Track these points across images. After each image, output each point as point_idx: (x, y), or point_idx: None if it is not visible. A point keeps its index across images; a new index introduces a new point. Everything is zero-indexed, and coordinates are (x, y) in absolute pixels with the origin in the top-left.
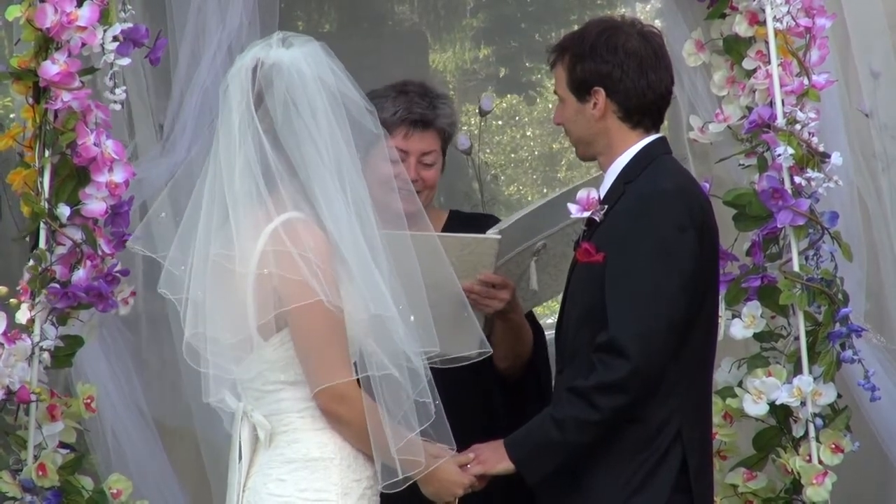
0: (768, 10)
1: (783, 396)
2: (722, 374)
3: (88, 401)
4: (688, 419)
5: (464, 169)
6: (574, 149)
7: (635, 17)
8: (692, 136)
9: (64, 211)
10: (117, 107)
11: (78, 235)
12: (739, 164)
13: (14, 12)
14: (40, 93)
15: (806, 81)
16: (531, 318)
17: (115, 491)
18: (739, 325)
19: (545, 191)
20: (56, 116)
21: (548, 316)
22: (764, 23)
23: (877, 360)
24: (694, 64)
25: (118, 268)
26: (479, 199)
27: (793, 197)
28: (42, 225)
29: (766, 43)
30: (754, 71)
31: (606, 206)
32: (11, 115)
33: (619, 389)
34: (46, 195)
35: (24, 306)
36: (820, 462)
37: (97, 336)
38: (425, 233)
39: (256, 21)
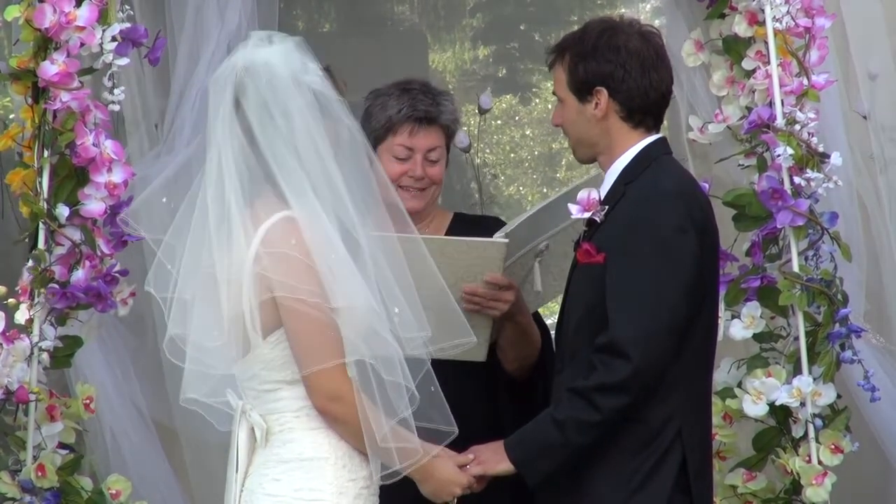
0: (768, 10)
1: (783, 397)
2: (721, 375)
3: (87, 401)
4: (688, 419)
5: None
6: (572, 151)
7: (634, 18)
8: (692, 136)
9: (63, 211)
10: (116, 107)
11: (77, 236)
12: (739, 165)
13: (13, 12)
14: (39, 93)
15: (805, 82)
16: (537, 319)
17: (114, 491)
18: (739, 325)
19: (545, 191)
20: (55, 117)
21: (547, 317)
22: (763, 23)
23: (876, 361)
24: (693, 64)
25: (117, 268)
26: (478, 199)
27: (792, 197)
28: (41, 225)
29: (766, 43)
30: (754, 71)
31: (607, 207)
32: (11, 116)
33: (620, 390)
34: (45, 195)
35: (23, 306)
36: (819, 463)
37: (96, 337)
38: (433, 236)
39: (255, 21)
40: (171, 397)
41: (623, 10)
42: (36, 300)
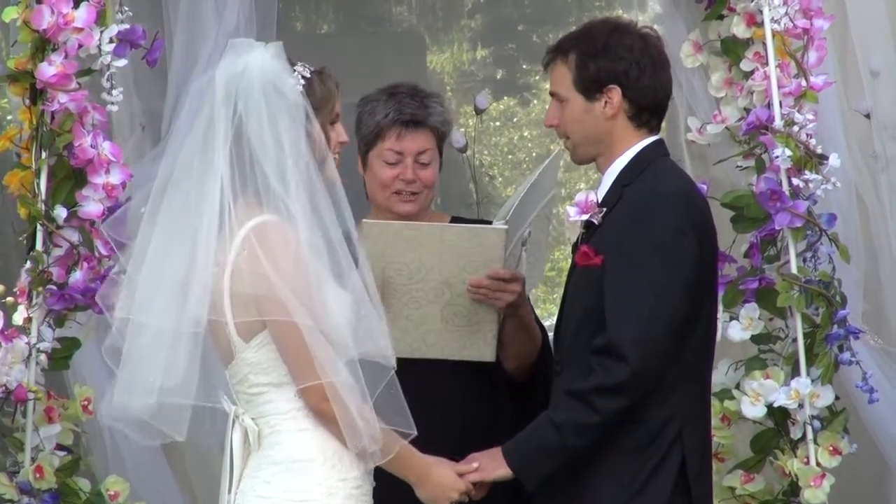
0: (766, 11)
1: (781, 398)
2: (719, 376)
3: (86, 403)
4: (688, 421)
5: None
6: (569, 152)
7: (631, 20)
8: (690, 137)
9: (61, 213)
10: (114, 108)
11: (75, 237)
12: (737, 166)
13: (10, 14)
14: (37, 94)
15: (804, 83)
16: (536, 320)
17: (112, 493)
18: (737, 326)
19: None
20: (53, 118)
21: (545, 318)
22: (762, 24)
23: (875, 362)
24: (692, 65)
25: (115, 270)
26: (476, 200)
27: (791, 199)
28: (39, 227)
29: (764, 44)
30: (752, 72)
31: (605, 209)
32: (8, 117)
33: (618, 392)
34: (43, 197)
35: (21, 308)
36: (818, 464)
37: (94, 338)
38: (432, 223)
39: (253, 21)
40: None
41: (620, 12)
42: (34, 301)
